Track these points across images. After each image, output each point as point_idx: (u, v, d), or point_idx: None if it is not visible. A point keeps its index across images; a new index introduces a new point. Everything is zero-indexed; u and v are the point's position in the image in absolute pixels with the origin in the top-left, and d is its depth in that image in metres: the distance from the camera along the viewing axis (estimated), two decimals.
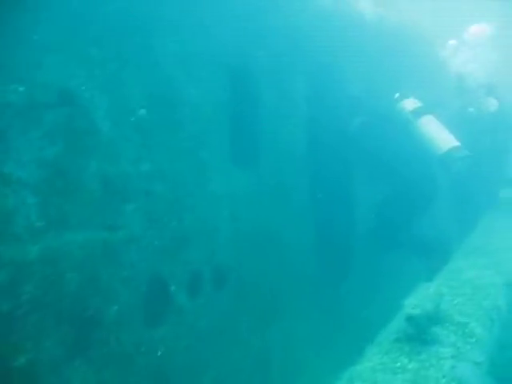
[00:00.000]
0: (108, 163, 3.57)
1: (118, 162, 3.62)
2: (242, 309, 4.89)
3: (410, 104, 6.22)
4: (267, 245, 5.28)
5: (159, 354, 3.81)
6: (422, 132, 5.96)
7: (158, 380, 3.85)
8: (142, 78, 3.88)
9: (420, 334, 3.11)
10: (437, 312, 3.24)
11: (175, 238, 4.10)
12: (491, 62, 10.07)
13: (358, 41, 6.62)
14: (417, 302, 3.23)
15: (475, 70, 8.86)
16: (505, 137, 6.92)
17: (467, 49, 9.87)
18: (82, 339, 3.28)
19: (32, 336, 3.02)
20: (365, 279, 6.72)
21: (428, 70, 8.49)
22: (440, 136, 5.89)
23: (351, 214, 6.90)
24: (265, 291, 5.15)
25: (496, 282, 4.22)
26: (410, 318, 3.10)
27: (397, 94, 6.37)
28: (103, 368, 3.41)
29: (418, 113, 6.10)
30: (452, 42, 9.96)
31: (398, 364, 3.14)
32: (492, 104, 7.21)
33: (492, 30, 10.64)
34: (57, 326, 3.15)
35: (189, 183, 4.26)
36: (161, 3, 4.10)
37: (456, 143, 5.82)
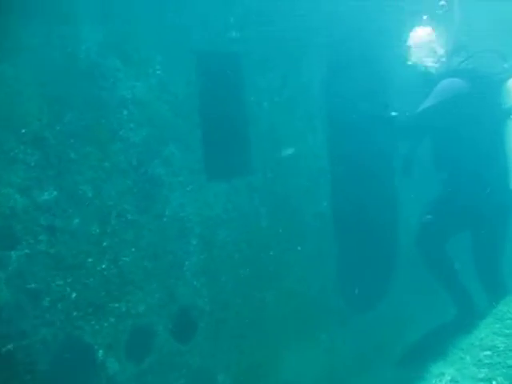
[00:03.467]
0: None
1: None
2: (221, 363, 3.80)
3: None
4: (258, 274, 4.15)
5: None
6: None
7: None
8: None
9: None
10: None
11: (105, 285, 3.05)
12: None
13: None
14: None
15: None
16: None
17: None
18: None
19: None
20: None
21: None
22: None
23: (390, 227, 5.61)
24: (254, 336, 4.03)
25: None
26: None
27: None
28: None
29: None
30: None
31: None
32: None
33: None
34: None
35: (127, 209, 3.18)
36: None
37: None
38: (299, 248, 4.62)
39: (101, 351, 3.01)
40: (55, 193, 2.81)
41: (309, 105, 4.79)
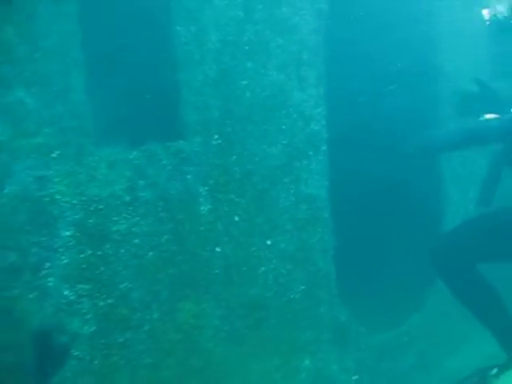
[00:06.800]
0: None
1: None
2: None
3: None
4: (192, 281, 2.95)
5: None
6: None
7: None
8: None
9: None
10: None
11: None
12: None
13: None
14: None
15: None
16: None
17: None
18: None
19: None
20: None
21: None
22: None
23: None
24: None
25: None
26: None
27: None
28: None
29: None
30: None
31: None
32: None
33: None
34: None
35: None
36: None
37: None
38: (269, 242, 3.33)
39: None
40: None
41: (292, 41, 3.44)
